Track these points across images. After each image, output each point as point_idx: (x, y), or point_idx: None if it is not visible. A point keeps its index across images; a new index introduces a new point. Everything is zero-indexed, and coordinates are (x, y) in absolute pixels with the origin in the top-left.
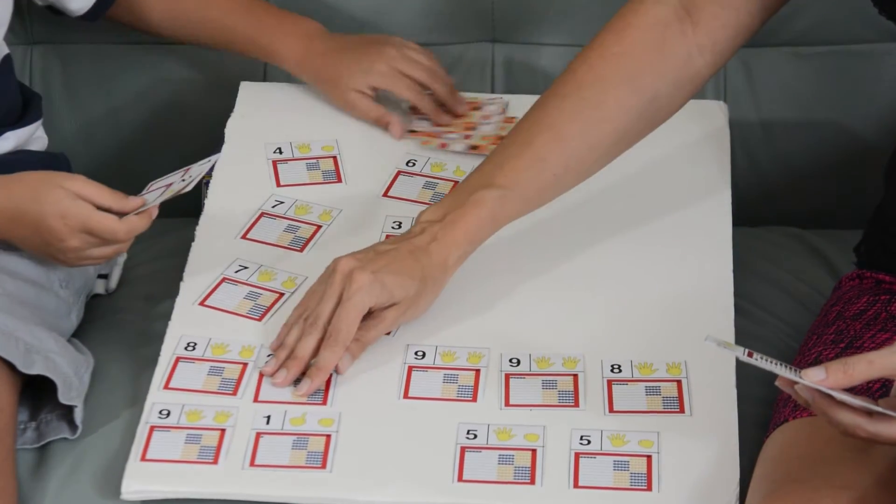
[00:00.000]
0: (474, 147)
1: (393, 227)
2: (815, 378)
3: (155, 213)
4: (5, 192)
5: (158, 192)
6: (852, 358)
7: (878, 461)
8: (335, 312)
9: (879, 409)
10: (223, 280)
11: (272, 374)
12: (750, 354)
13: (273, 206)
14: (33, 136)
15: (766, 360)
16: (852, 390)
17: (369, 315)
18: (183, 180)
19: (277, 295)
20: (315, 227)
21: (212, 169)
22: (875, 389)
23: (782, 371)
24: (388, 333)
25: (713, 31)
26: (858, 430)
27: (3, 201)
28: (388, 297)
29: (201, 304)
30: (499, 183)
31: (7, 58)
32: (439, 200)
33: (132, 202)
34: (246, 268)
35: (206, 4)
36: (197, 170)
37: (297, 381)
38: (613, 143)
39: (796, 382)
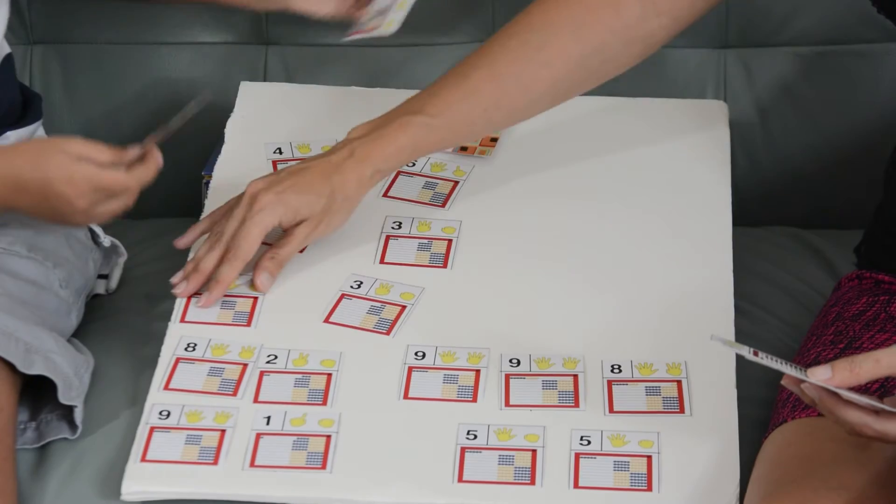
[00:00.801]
0: (464, 149)
1: (393, 228)
2: (821, 377)
3: (159, 160)
4: (6, 163)
5: (154, 136)
6: (859, 356)
7: (876, 462)
8: (237, 230)
9: (887, 407)
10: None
11: (175, 285)
12: (756, 353)
13: None
14: (34, 136)
15: (772, 359)
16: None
17: (284, 233)
18: (177, 118)
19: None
20: None
21: (213, 166)
22: (874, 390)
23: (788, 370)
24: (302, 251)
25: None
26: (866, 428)
27: (6, 171)
28: (293, 215)
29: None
30: (428, 111)
31: (8, 57)
32: (371, 119)
33: (132, 151)
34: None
35: None
36: (191, 108)
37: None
38: (549, 89)
39: (803, 381)
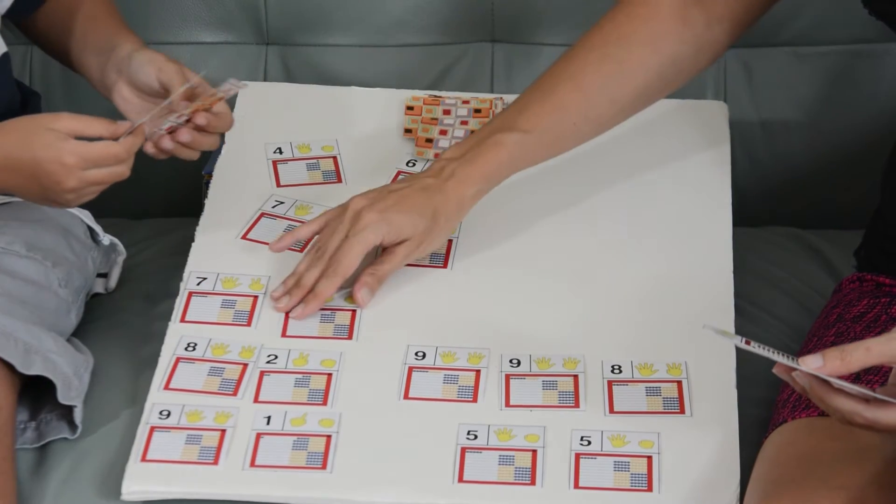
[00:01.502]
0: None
1: None
2: (812, 365)
3: (147, 128)
4: None
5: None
6: (850, 345)
7: (875, 462)
8: (339, 247)
9: (877, 395)
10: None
11: (277, 299)
12: (748, 342)
13: (273, 207)
14: None
15: (764, 348)
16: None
17: (384, 250)
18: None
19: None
20: None
21: (213, 166)
22: (869, 380)
23: (780, 358)
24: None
25: (730, 2)
26: (856, 416)
27: None
28: (396, 234)
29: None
30: (520, 127)
31: (5, 56)
32: (461, 141)
33: (123, 125)
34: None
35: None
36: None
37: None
38: (633, 100)
39: (794, 369)
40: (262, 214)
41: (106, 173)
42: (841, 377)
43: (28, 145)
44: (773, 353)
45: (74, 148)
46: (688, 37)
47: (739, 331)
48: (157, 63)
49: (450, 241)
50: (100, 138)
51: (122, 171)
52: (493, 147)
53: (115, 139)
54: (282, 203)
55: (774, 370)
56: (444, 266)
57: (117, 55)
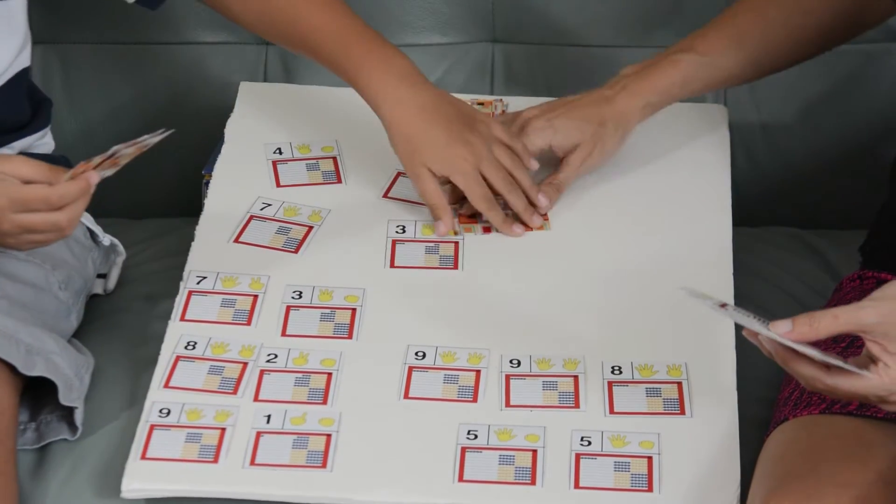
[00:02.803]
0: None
1: (397, 232)
2: (781, 330)
3: (94, 179)
4: None
5: (99, 158)
6: (818, 312)
7: (880, 458)
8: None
9: (837, 362)
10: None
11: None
12: (723, 306)
13: (261, 209)
14: (40, 141)
15: (738, 312)
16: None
17: (561, 161)
18: (129, 146)
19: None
20: (307, 228)
21: (213, 166)
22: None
23: (751, 323)
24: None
25: None
26: (817, 382)
27: None
28: (563, 138)
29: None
30: (697, 49)
31: (24, 71)
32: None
33: (68, 172)
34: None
35: (295, 3)
36: (146, 139)
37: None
38: (813, 37)
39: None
40: (252, 217)
41: (39, 219)
42: (812, 344)
43: None
44: (747, 317)
45: (6, 190)
46: None
47: (739, 330)
48: None
49: (456, 244)
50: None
51: (57, 218)
52: (669, 65)
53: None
54: (269, 205)
55: (744, 333)
56: (455, 268)
57: None
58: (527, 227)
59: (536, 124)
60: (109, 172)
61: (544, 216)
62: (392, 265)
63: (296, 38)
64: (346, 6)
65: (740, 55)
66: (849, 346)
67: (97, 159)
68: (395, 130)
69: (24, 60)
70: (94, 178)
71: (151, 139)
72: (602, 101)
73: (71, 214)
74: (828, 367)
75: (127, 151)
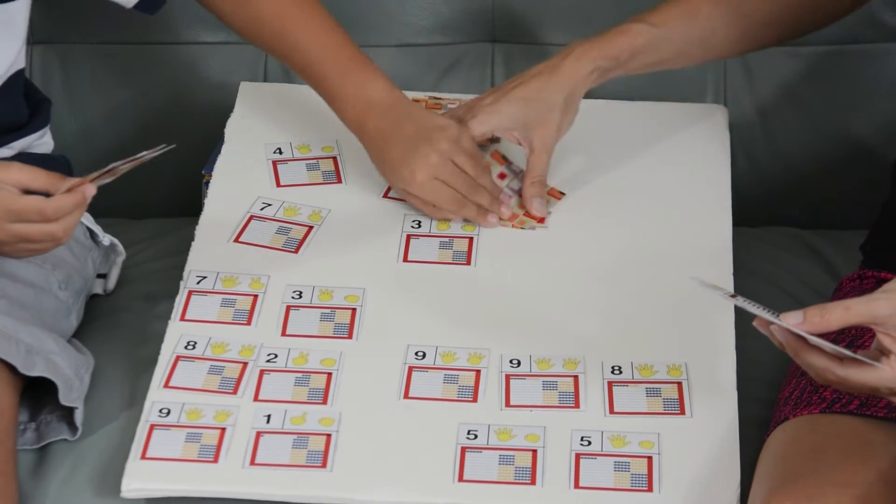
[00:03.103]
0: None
1: (412, 227)
2: (792, 321)
3: (89, 192)
4: None
5: (97, 174)
6: (830, 304)
7: (881, 458)
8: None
9: (850, 353)
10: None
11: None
12: (734, 296)
13: (261, 209)
14: (39, 141)
15: (749, 303)
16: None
17: (530, 153)
18: (127, 163)
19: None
20: (307, 228)
21: (213, 166)
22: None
23: (763, 313)
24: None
25: None
26: (828, 373)
27: None
28: (507, 120)
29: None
30: (648, 20)
31: (20, 72)
32: None
33: (67, 182)
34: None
35: (283, 17)
36: (145, 156)
37: None
38: (765, 20)
39: (773, 323)
40: (252, 217)
41: (34, 230)
42: (822, 336)
43: None
44: (757, 308)
45: (2, 200)
46: None
47: (740, 330)
48: None
49: (470, 239)
50: (45, 193)
51: (52, 229)
52: (617, 34)
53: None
54: (269, 205)
55: (754, 323)
56: (468, 263)
57: None
58: (510, 218)
59: (479, 112)
60: (107, 180)
61: (541, 219)
62: (405, 259)
63: (281, 52)
64: (332, 22)
65: (690, 32)
66: (850, 345)
67: (94, 175)
68: (371, 157)
69: (21, 62)
70: (91, 190)
71: (149, 155)
72: (547, 71)
73: (66, 225)
74: (839, 358)
75: (124, 168)
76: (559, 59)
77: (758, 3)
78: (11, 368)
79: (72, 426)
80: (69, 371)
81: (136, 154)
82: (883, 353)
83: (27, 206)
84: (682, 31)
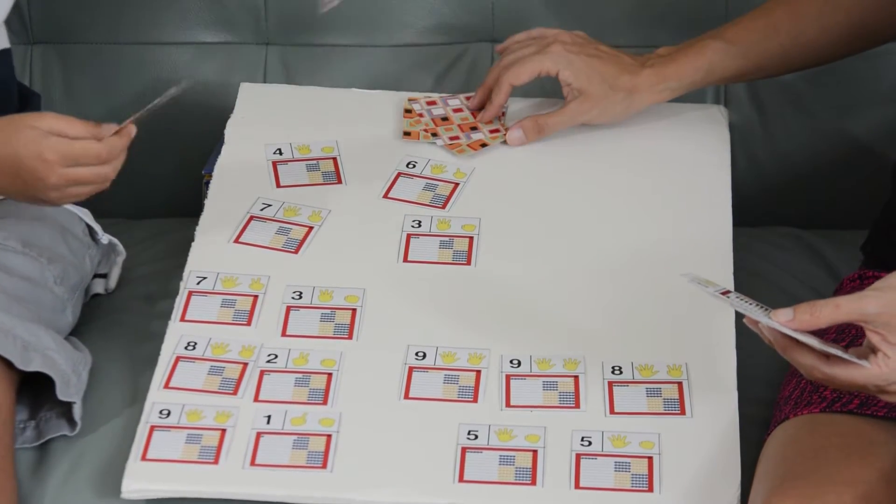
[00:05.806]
0: (483, 144)
1: (413, 226)
2: (782, 318)
3: (133, 131)
4: None
5: (135, 115)
6: (820, 301)
7: (882, 457)
8: (516, 62)
9: (837, 351)
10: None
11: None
12: (725, 293)
13: (262, 210)
14: None
15: (740, 300)
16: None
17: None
18: (158, 101)
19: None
20: (307, 228)
21: (213, 166)
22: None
23: (752, 311)
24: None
25: None
26: (815, 371)
27: None
28: (572, 77)
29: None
30: (726, 37)
31: (7, 51)
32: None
33: (107, 127)
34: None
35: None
36: (173, 91)
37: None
38: (844, 32)
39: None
40: (252, 217)
41: (88, 172)
42: (811, 333)
43: (9, 142)
44: (749, 305)
45: (55, 145)
46: None
47: (740, 329)
48: None
49: (471, 239)
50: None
51: (106, 171)
52: (697, 51)
53: (98, 140)
54: (269, 206)
55: (745, 321)
56: (468, 263)
57: None
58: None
59: (557, 49)
60: (137, 117)
61: (495, 130)
62: (406, 259)
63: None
64: None
65: (769, 46)
66: (851, 343)
67: (133, 117)
68: None
69: (4, 41)
70: (134, 130)
71: (176, 91)
72: (628, 69)
73: (117, 166)
74: (827, 356)
75: (157, 104)
76: (639, 65)
77: (835, 16)
78: (8, 364)
79: (71, 422)
80: (66, 367)
81: (165, 92)
82: (872, 350)
83: (85, 150)
84: (760, 45)
